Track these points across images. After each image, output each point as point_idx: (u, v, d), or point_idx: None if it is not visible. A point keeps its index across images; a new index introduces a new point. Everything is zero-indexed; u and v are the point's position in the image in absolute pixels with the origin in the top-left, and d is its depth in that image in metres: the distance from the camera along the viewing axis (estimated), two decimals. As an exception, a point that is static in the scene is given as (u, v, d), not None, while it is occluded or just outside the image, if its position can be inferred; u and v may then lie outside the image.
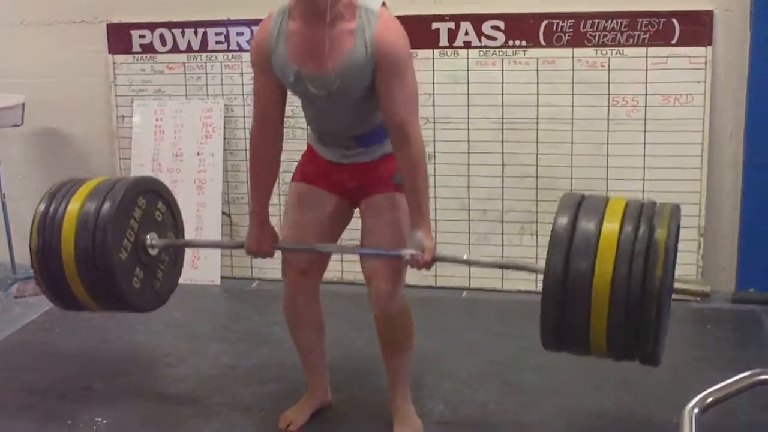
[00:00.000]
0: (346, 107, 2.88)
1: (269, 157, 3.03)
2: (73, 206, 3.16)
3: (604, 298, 2.53)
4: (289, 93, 2.97)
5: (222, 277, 4.92)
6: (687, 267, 4.38)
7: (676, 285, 2.69)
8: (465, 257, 3.06)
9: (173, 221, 3.47)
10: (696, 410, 2.01)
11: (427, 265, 2.86)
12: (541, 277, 2.63)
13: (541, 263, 2.65)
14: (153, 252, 3.31)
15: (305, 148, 3.19)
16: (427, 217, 2.88)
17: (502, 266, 3.00)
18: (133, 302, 3.23)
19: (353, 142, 2.97)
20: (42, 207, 3.21)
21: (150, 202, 3.33)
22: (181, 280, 4.83)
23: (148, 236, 3.29)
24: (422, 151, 2.85)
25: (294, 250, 3.08)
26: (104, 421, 3.32)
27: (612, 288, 2.53)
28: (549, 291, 2.59)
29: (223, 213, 4.95)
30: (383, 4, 2.80)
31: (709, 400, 2.06)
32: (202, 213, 4.91)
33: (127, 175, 5.04)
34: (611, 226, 2.58)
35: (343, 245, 2.91)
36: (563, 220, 2.62)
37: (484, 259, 3.00)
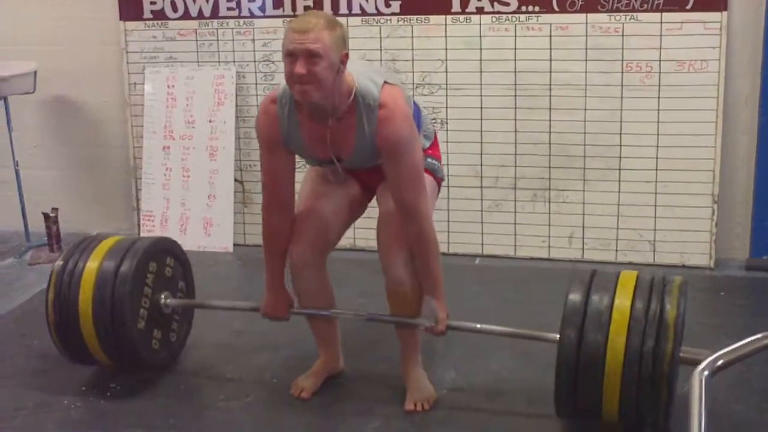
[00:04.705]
0: (358, 168, 3.06)
1: (282, 232, 3.11)
2: (87, 283, 3.21)
3: (617, 368, 2.62)
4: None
5: (235, 245, 4.93)
6: (701, 234, 4.38)
7: (683, 354, 2.75)
8: (479, 326, 3.15)
9: (182, 270, 3.54)
10: (706, 373, 2.00)
11: (442, 334, 3.05)
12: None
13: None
14: (167, 311, 3.41)
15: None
16: (440, 290, 3.03)
17: (516, 336, 3.12)
18: (153, 364, 3.37)
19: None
20: (56, 275, 3.26)
21: (160, 262, 3.40)
22: (193, 247, 4.86)
23: (162, 296, 3.38)
24: (430, 228, 2.96)
25: (311, 315, 3.23)
26: (117, 388, 3.34)
27: (625, 359, 2.62)
28: (563, 360, 2.68)
29: (236, 180, 4.95)
30: (385, 82, 2.85)
31: (720, 362, 2.06)
32: (214, 180, 4.91)
33: (140, 146, 5.06)
34: (623, 301, 2.70)
35: (356, 312, 3.19)
36: (576, 295, 2.73)
37: (498, 328, 3.16)
